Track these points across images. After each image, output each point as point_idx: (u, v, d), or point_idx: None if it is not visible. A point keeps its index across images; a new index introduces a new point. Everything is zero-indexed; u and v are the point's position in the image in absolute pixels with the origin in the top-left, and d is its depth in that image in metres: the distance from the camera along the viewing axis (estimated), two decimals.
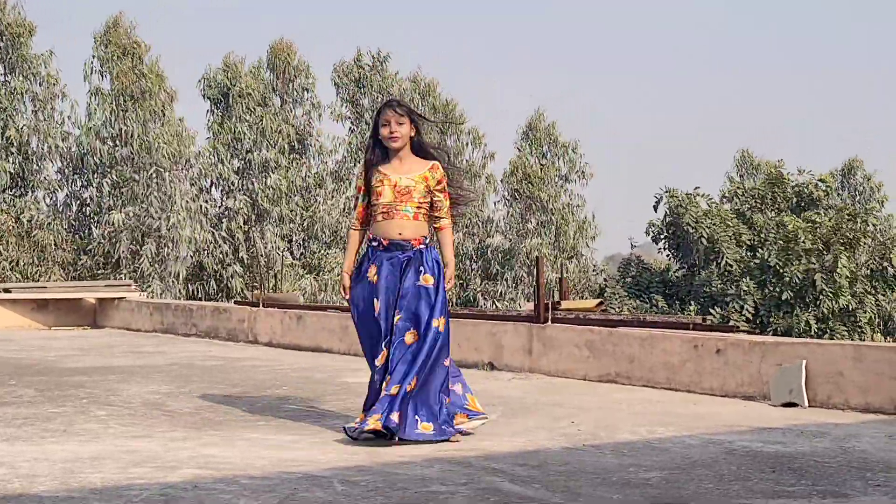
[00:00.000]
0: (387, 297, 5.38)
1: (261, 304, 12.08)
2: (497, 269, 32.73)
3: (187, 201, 26.23)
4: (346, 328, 10.52)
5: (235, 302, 14.12)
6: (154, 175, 26.10)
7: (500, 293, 32.22)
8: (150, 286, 25.15)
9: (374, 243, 5.50)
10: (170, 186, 26.01)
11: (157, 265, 25.85)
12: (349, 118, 33.37)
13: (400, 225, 5.44)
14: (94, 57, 27.63)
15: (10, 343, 11.88)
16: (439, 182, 5.55)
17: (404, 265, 5.42)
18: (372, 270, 5.46)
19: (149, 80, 27.03)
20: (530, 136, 36.03)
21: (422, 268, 5.41)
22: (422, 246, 5.46)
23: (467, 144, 34.21)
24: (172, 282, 25.81)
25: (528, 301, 26.74)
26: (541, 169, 34.88)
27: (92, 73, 27.77)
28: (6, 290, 15.28)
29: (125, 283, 16.36)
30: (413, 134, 5.54)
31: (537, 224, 33.44)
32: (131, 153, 26.58)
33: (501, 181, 34.16)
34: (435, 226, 5.63)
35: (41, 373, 8.60)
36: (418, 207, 5.48)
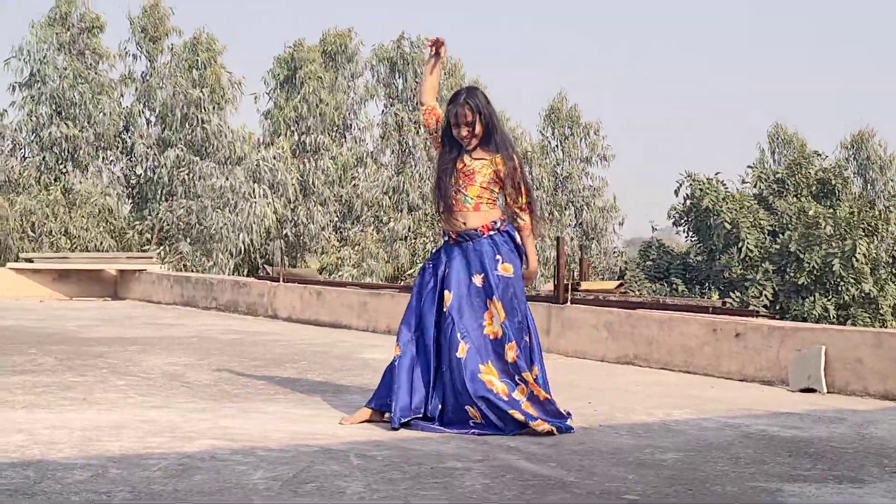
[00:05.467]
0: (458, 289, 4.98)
1: (281, 279, 12.13)
2: None
3: (264, 197, 26.43)
4: (365, 304, 10.56)
5: (256, 277, 14.18)
6: (231, 168, 26.43)
7: None
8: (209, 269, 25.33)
9: (445, 238, 5.18)
10: (241, 179, 26.26)
11: (221, 252, 25.90)
12: (382, 99, 33.38)
13: (462, 216, 5.06)
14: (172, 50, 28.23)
15: (31, 312, 11.97)
16: (512, 173, 5.07)
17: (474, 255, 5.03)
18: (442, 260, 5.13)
19: (230, 78, 27.94)
20: (552, 118, 35.92)
21: (498, 256, 5.03)
22: (492, 232, 5.07)
23: None
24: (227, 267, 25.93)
25: (547, 281, 26.71)
26: (562, 151, 34.81)
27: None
28: (28, 260, 15.38)
29: (146, 256, 16.43)
30: (482, 131, 5.07)
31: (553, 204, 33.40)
32: (201, 143, 26.92)
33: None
34: (514, 225, 5.14)
35: (62, 342, 8.67)
36: (479, 196, 5.05)
